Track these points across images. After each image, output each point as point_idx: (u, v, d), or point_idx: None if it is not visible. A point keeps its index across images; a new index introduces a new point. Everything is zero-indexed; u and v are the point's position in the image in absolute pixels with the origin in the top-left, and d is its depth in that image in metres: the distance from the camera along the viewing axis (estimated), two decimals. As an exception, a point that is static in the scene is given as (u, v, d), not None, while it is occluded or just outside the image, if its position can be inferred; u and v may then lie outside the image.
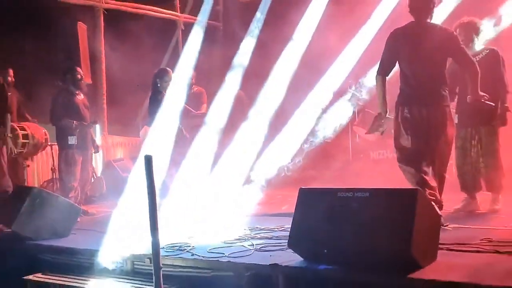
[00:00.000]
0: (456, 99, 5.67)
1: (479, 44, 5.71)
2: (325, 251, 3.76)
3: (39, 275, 4.79)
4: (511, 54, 5.79)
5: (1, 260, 5.19)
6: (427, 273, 3.41)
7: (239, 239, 4.79)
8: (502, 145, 5.64)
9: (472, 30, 5.67)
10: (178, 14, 10.35)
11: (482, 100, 5.05)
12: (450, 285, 3.25)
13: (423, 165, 4.88)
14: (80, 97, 7.23)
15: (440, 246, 3.83)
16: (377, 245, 3.55)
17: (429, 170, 4.89)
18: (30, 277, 4.76)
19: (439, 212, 4.42)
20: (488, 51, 5.70)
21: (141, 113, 9.97)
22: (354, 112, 6.98)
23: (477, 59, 5.59)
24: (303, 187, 4.09)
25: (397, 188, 4.18)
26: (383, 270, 3.48)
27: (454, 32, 5.10)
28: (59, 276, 4.70)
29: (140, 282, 4.30)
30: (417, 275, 3.37)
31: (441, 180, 4.98)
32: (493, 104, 5.21)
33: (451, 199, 5.56)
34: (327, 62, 6.05)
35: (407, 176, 4.99)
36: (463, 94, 5.51)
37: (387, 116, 5.03)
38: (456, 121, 5.58)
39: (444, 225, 4.63)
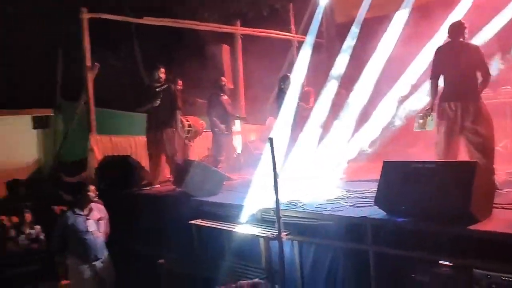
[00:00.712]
0: None
1: None
2: (403, 207, 3.70)
3: (199, 220, 5.01)
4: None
5: (175, 210, 5.45)
6: (482, 225, 3.27)
7: (338, 198, 4.77)
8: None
9: None
10: (293, 35, 10.38)
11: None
12: (502, 235, 3.10)
13: (450, 145, 4.72)
14: (225, 97, 7.53)
15: (496, 205, 3.63)
16: (443, 203, 3.44)
17: (457, 148, 4.74)
18: (194, 222, 5.00)
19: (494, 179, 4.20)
20: None
21: (267, 106, 10.12)
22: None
23: None
24: (386, 160, 4.03)
25: (460, 161, 3.99)
26: (447, 222, 3.38)
27: (480, 48, 4.80)
28: (212, 221, 4.92)
29: (266, 227, 4.43)
30: (474, 227, 3.25)
31: (485, 152, 4.63)
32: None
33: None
34: (404, 66, 5.81)
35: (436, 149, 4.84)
36: None
37: (432, 113, 4.91)
38: None
39: (499, 189, 4.35)
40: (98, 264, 5.04)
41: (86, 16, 7.24)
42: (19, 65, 8.90)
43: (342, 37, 7.06)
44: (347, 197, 4.77)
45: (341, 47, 6.72)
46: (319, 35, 8.91)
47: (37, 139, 9.27)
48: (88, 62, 7.28)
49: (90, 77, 7.30)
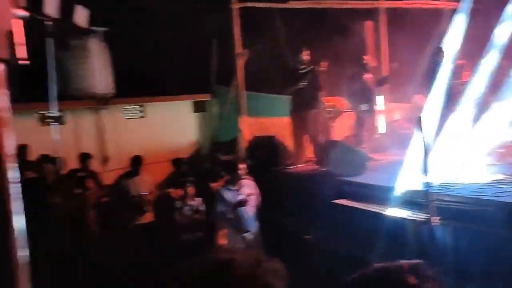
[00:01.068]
0: None
1: None
2: None
3: (344, 200, 4.97)
4: None
5: (319, 188, 5.46)
6: None
7: (498, 182, 4.24)
8: None
9: None
10: (445, 2, 9.35)
11: None
12: None
13: None
14: (368, 75, 7.20)
15: None
16: None
17: None
18: (338, 201, 4.98)
19: None
20: None
21: (413, 83, 9.37)
22: None
23: None
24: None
25: None
26: None
27: None
28: (356, 202, 4.82)
29: (415, 211, 4.14)
30: None
31: None
32: None
33: None
34: None
35: None
36: None
37: None
38: None
39: None
40: (248, 236, 5.28)
41: (235, 5, 7.53)
42: (182, 56, 9.70)
43: (504, 0, 6.10)
44: (510, 182, 4.19)
45: (502, 12, 5.81)
46: (475, 0, 7.87)
47: (196, 122, 10.10)
48: (238, 49, 7.58)
49: (240, 63, 7.61)
